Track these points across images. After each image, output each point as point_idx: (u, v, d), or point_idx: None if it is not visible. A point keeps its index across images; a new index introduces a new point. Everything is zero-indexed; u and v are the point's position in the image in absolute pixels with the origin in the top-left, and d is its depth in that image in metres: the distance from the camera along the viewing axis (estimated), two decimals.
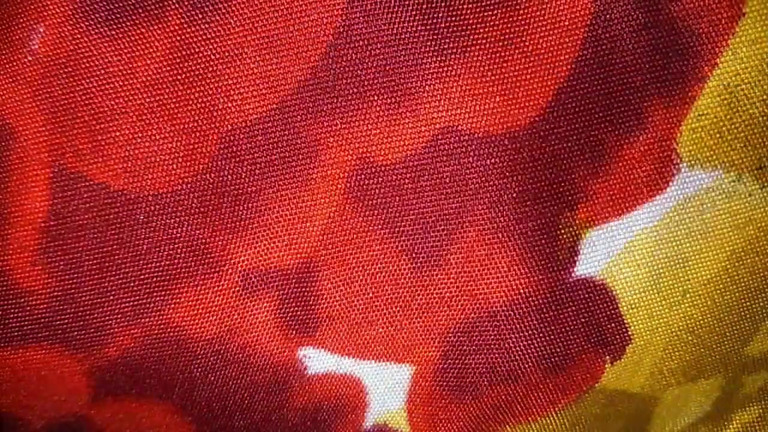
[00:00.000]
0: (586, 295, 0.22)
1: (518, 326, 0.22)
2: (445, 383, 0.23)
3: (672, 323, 0.23)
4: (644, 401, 0.24)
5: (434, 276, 0.23)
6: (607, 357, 0.23)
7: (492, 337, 0.23)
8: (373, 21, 0.21)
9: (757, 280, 0.23)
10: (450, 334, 0.23)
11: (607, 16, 0.21)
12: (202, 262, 0.22)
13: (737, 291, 0.23)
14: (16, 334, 0.23)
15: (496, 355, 0.23)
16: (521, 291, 0.22)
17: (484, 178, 0.22)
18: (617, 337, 0.23)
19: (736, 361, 0.24)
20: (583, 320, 0.23)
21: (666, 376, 0.24)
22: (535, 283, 0.22)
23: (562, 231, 0.22)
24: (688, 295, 0.23)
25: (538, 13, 0.21)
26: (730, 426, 0.25)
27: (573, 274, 0.22)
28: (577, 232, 0.22)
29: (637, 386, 0.24)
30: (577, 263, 0.22)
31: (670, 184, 0.22)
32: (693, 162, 0.22)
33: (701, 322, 0.23)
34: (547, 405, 0.23)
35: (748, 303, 0.23)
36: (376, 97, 0.21)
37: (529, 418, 0.24)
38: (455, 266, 0.22)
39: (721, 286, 0.23)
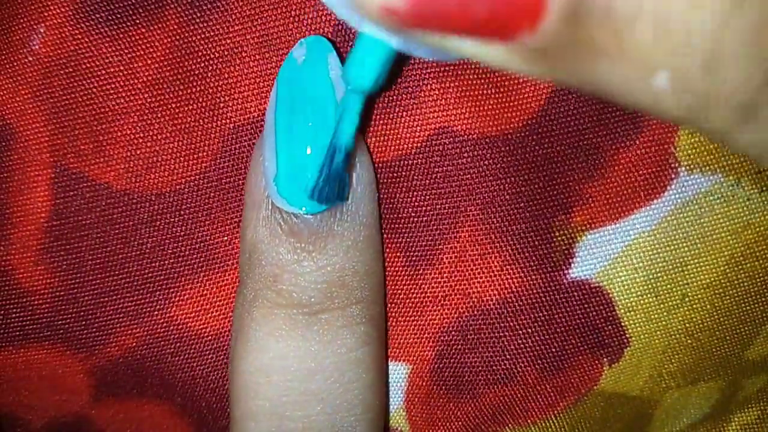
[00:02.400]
0: (581, 297, 0.22)
1: (512, 324, 0.23)
2: (442, 382, 0.23)
3: (671, 327, 0.23)
4: (644, 404, 0.24)
5: (428, 274, 0.23)
6: (605, 359, 0.23)
7: (486, 335, 0.23)
8: None
9: (757, 285, 0.23)
10: (444, 333, 0.23)
11: None
12: (207, 258, 0.23)
13: (737, 295, 0.23)
14: (17, 333, 0.23)
15: (491, 354, 0.23)
16: (514, 290, 0.22)
17: (477, 179, 0.22)
18: (614, 339, 0.23)
19: (736, 365, 0.24)
20: (578, 322, 0.23)
21: (665, 379, 0.24)
22: (528, 283, 0.22)
23: (557, 233, 0.22)
24: (686, 299, 0.22)
25: None
26: (729, 427, 0.25)
27: (567, 276, 0.22)
28: (572, 234, 0.22)
29: (636, 389, 0.24)
30: (572, 265, 0.22)
31: (668, 188, 0.22)
32: (692, 166, 0.21)
33: (701, 325, 0.23)
34: (546, 407, 0.23)
35: (747, 307, 0.23)
36: (373, 96, 0.21)
37: (529, 421, 0.24)
38: (448, 265, 0.22)
39: (720, 290, 0.22)
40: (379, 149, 0.22)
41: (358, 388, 0.21)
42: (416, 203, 0.22)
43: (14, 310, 0.23)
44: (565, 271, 0.22)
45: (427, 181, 0.22)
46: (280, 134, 0.20)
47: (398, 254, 0.22)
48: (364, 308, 0.21)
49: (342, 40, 0.21)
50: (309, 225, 0.20)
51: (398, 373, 0.23)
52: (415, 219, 0.22)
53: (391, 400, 0.24)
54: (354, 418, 0.21)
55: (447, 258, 0.22)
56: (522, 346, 0.23)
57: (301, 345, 0.20)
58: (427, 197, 0.22)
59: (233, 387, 0.21)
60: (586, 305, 0.22)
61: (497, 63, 0.12)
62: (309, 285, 0.20)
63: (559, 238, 0.22)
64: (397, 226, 0.22)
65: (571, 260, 0.22)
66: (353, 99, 0.18)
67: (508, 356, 0.23)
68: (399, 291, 0.23)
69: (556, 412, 0.24)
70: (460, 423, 0.24)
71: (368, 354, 0.21)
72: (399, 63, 0.21)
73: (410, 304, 0.23)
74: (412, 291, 0.23)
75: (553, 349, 0.23)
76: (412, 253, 0.22)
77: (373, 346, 0.21)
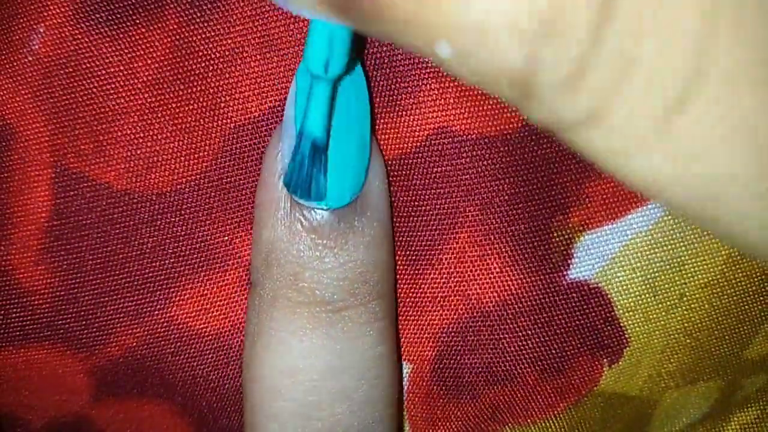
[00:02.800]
0: (581, 299, 0.22)
1: (511, 327, 0.23)
2: (442, 382, 0.23)
3: (669, 326, 0.23)
4: (643, 404, 0.24)
5: (427, 275, 0.23)
6: (605, 360, 0.23)
7: (486, 337, 0.23)
8: None
9: (755, 284, 0.23)
10: (444, 334, 0.23)
11: None
12: (207, 258, 0.23)
13: (735, 295, 0.23)
14: (17, 333, 0.23)
15: (491, 356, 0.23)
16: (513, 292, 0.22)
17: (476, 180, 0.22)
18: (614, 340, 0.23)
19: (735, 364, 0.24)
20: (578, 323, 0.23)
21: (665, 378, 0.24)
22: (527, 285, 0.22)
23: (555, 234, 0.22)
24: (685, 299, 0.22)
25: None
26: (729, 427, 0.25)
27: (567, 277, 0.22)
28: (570, 235, 0.22)
29: (635, 389, 0.24)
30: (571, 266, 0.22)
31: None
32: None
33: (699, 325, 0.23)
34: (546, 408, 0.23)
35: (746, 306, 0.23)
36: (373, 95, 0.21)
37: (529, 420, 0.24)
38: (447, 266, 0.22)
39: (718, 289, 0.22)
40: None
41: (381, 384, 0.21)
42: (415, 203, 0.22)
43: (14, 310, 0.23)
44: (564, 273, 0.22)
45: (426, 182, 0.22)
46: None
47: (398, 252, 0.22)
48: (383, 303, 0.21)
49: None
50: (330, 221, 0.20)
51: None
52: (415, 219, 0.22)
53: None
54: (378, 414, 0.21)
55: (446, 259, 0.22)
56: (522, 348, 0.23)
57: (325, 343, 0.20)
58: (426, 197, 0.22)
59: (251, 391, 0.21)
60: (585, 306, 0.22)
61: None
62: (331, 282, 0.20)
63: (557, 239, 0.22)
64: (396, 225, 0.22)
65: (569, 261, 0.22)
66: (317, 86, 0.18)
67: (508, 358, 0.23)
68: (399, 290, 0.23)
69: (556, 412, 0.24)
70: (460, 423, 0.24)
71: (388, 349, 0.21)
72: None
73: (410, 304, 0.23)
74: (412, 290, 0.23)
75: (553, 351, 0.23)
76: (411, 253, 0.22)
77: (392, 341, 0.21)
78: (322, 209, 0.19)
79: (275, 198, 0.20)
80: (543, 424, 0.24)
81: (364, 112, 0.20)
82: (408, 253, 0.22)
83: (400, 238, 0.22)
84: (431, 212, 0.22)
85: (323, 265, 0.20)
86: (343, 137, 0.19)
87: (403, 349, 0.23)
